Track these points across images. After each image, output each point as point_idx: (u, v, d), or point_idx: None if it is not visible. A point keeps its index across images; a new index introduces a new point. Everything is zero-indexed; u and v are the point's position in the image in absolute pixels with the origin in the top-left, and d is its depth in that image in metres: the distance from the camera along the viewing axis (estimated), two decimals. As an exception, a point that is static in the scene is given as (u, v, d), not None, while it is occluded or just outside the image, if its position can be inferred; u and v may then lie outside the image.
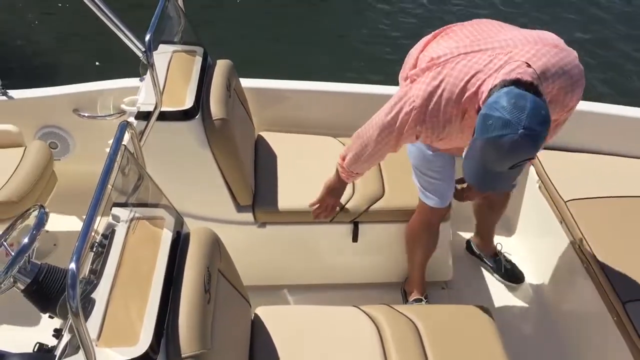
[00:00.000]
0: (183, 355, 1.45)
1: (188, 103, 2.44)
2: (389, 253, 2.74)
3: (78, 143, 3.08)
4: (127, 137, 1.73)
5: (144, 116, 2.35)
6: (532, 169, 2.96)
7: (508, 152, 1.68)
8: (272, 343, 1.99)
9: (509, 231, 3.16)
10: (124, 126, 1.62)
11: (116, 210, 1.67)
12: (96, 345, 1.37)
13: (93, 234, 1.38)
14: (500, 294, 2.89)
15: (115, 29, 2.55)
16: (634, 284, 2.28)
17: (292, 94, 3.02)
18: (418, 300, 2.69)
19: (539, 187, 2.88)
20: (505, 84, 1.73)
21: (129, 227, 1.66)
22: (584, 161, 2.90)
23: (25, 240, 1.39)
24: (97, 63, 5.21)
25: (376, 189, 2.67)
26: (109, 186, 1.47)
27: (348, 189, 2.64)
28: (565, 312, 2.68)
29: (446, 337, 2.10)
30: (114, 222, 1.66)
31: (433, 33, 2.14)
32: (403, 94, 1.97)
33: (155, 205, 1.79)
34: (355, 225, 2.64)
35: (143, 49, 2.25)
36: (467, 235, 3.07)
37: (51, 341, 1.46)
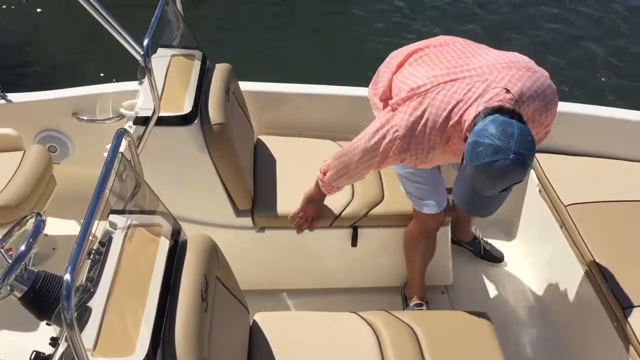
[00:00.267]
0: None
1: (186, 108, 2.43)
2: (388, 257, 2.73)
3: (77, 146, 3.08)
4: (124, 143, 1.72)
5: (142, 121, 2.35)
6: (532, 173, 2.95)
7: (500, 177, 1.77)
8: (270, 350, 1.98)
9: (510, 235, 3.15)
10: (121, 134, 1.62)
11: (113, 218, 1.67)
12: (92, 355, 1.36)
13: (90, 240, 1.37)
14: (500, 298, 2.88)
15: (114, 32, 2.55)
16: (635, 290, 2.27)
17: (292, 98, 3.02)
18: (419, 305, 2.68)
19: (539, 191, 2.87)
20: (489, 111, 1.82)
21: (126, 235, 1.66)
22: (584, 165, 2.89)
23: (22, 248, 1.39)
24: (96, 66, 5.21)
25: (375, 193, 2.67)
26: (106, 192, 1.47)
27: (347, 194, 2.64)
28: (565, 318, 2.67)
29: (445, 343, 2.09)
30: (111, 229, 1.66)
31: (405, 52, 2.21)
32: (385, 122, 2.05)
33: (153, 213, 1.78)
34: (355, 230, 2.63)
35: (142, 53, 2.24)
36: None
37: (48, 349, 1.46)
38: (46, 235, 2.98)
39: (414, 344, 2.03)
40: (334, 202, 2.60)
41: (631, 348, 2.14)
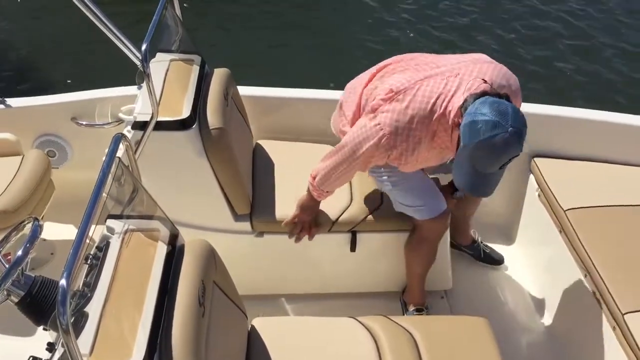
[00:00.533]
0: None
1: (185, 112, 2.43)
2: (387, 262, 2.73)
3: (76, 151, 3.07)
4: (122, 148, 1.72)
5: (140, 126, 2.35)
6: (531, 178, 2.95)
7: (500, 151, 1.88)
8: (268, 355, 1.97)
9: (509, 240, 3.14)
10: (118, 139, 1.62)
11: (111, 222, 1.67)
12: None
13: (88, 244, 1.37)
14: (499, 303, 2.87)
15: (113, 37, 2.55)
16: (634, 295, 2.27)
17: (291, 102, 3.02)
18: (419, 311, 2.67)
19: (539, 195, 2.87)
20: (476, 96, 1.94)
21: (123, 240, 1.66)
22: (583, 170, 2.89)
23: (19, 253, 1.38)
24: (95, 71, 5.21)
25: (374, 198, 2.66)
26: (103, 196, 1.47)
27: (345, 198, 2.64)
28: (564, 323, 2.66)
29: (444, 348, 2.08)
30: (108, 234, 1.66)
31: (375, 68, 2.33)
32: (369, 121, 2.13)
33: (150, 217, 1.78)
34: (353, 235, 2.63)
35: (141, 57, 2.24)
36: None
37: (45, 355, 1.45)
38: (44, 240, 2.97)
39: (412, 349, 2.02)
40: (332, 206, 2.60)
41: (631, 353, 2.14)
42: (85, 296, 1.50)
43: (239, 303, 1.99)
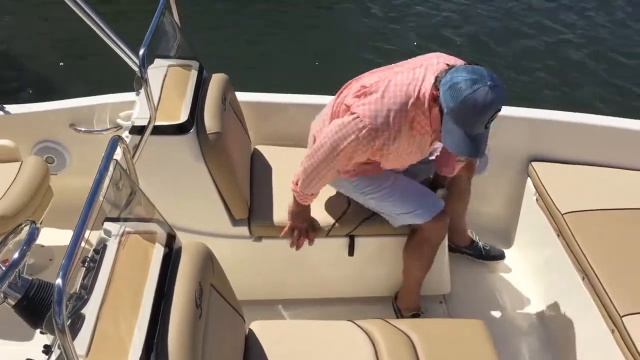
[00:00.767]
0: None
1: (182, 117, 2.44)
2: (386, 267, 2.72)
3: (75, 158, 3.08)
4: (120, 152, 1.73)
5: (138, 130, 2.35)
6: (529, 182, 2.96)
7: (485, 105, 1.93)
8: (265, 358, 1.97)
9: (507, 244, 3.14)
10: (115, 141, 1.62)
11: (108, 225, 1.67)
12: None
13: (85, 247, 1.37)
14: (497, 306, 2.87)
15: (112, 43, 2.57)
16: (632, 297, 2.27)
17: (289, 108, 3.03)
18: (416, 316, 2.66)
19: (536, 199, 2.88)
20: (446, 71, 2.03)
21: (120, 242, 1.66)
22: (580, 173, 2.90)
23: (16, 255, 1.38)
24: (93, 78, 5.24)
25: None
26: (100, 199, 1.47)
27: (343, 202, 2.64)
28: (563, 326, 2.65)
29: (442, 351, 2.08)
30: (105, 236, 1.66)
31: (344, 85, 2.42)
32: (346, 117, 2.18)
33: (148, 220, 1.78)
34: (351, 239, 2.63)
35: (138, 63, 2.26)
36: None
37: (42, 357, 1.45)
38: (42, 246, 2.98)
39: (410, 352, 2.02)
40: (330, 211, 2.60)
41: (630, 355, 2.13)
42: (82, 298, 1.50)
43: (236, 306, 1.98)
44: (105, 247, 1.63)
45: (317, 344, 2.08)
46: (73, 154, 3.07)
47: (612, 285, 2.31)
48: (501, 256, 3.01)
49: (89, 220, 1.34)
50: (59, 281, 1.19)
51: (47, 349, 1.44)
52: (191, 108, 2.49)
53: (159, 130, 2.35)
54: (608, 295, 2.28)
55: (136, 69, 2.41)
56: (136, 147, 2.25)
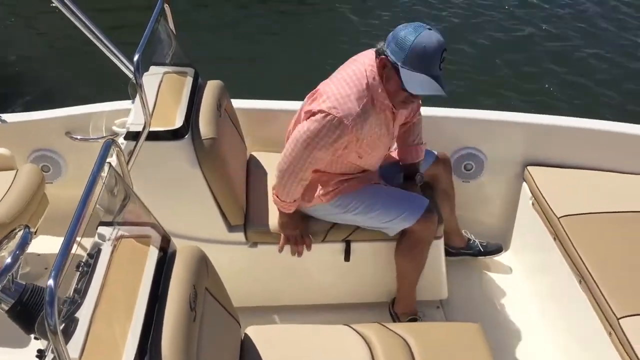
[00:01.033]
0: None
1: (178, 123, 2.44)
2: (382, 272, 2.71)
3: (70, 166, 3.08)
4: (114, 159, 1.73)
5: (133, 136, 2.35)
6: (525, 186, 2.96)
7: (431, 44, 2.10)
8: None
9: (503, 247, 3.14)
10: (109, 144, 1.62)
11: (102, 229, 1.66)
12: None
13: (79, 252, 1.36)
14: (494, 310, 2.86)
15: (106, 50, 2.57)
16: (629, 300, 2.26)
17: (284, 115, 3.02)
18: (413, 320, 2.66)
19: (532, 204, 2.88)
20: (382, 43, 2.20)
21: (115, 246, 1.65)
22: (576, 177, 2.90)
23: (9, 260, 1.38)
24: (89, 86, 5.25)
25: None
26: (93, 204, 1.46)
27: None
28: (560, 329, 2.65)
29: (439, 355, 2.07)
30: (100, 241, 1.65)
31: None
32: (310, 120, 2.24)
33: (142, 224, 1.78)
34: (347, 244, 2.62)
35: (133, 68, 2.26)
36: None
37: None
38: (38, 255, 2.97)
39: (407, 356, 2.01)
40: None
41: (627, 357, 2.13)
42: (75, 302, 1.49)
43: (232, 310, 1.97)
44: (99, 251, 1.62)
45: (313, 348, 2.07)
46: (69, 162, 3.07)
47: (609, 287, 2.31)
48: (499, 249, 3.03)
49: (82, 221, 1.34)
50: (50, 282, 1.19)
51: (41, 354, 1.44)
52: (186, 114, 2.50)
53: (154, 136, 2.35)
54: (605, 298, 2.28)
55: (131, 75, 2.42)
56: (131, 152, 2.25)
